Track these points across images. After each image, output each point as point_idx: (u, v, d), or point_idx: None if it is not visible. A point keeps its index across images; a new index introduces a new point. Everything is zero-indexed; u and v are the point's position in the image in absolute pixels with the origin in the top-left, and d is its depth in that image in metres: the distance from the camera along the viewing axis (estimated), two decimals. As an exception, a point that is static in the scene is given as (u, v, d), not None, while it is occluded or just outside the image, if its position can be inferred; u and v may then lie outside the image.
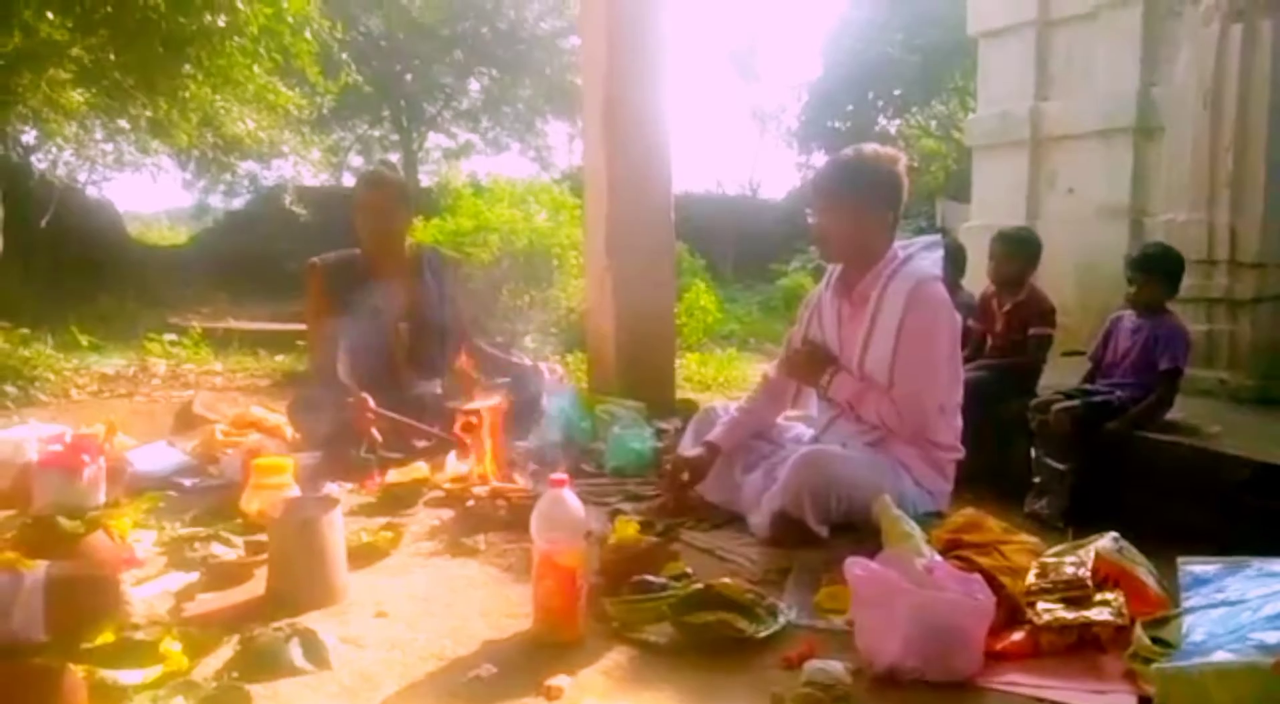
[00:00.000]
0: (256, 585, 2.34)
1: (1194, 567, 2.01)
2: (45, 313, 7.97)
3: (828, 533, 2.61)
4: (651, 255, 4.70)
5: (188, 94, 7.15)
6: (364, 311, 3.68)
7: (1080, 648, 1.98)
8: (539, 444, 3.53)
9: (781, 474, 2.67)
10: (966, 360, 3.34)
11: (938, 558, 2.15)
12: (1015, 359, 3.68)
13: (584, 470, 3.56)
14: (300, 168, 11.07)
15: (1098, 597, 2.04)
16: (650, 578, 2.21)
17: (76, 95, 7.08)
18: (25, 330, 6.21)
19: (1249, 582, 1.88)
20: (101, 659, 1.80)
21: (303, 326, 5.17)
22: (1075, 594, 2.04)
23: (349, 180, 19.01)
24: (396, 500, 3.11)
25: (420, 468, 3.35)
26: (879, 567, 1.97)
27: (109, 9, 6.20)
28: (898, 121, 20.34)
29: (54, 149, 10.63)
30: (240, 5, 6.36)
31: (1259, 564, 1.94)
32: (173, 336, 7.20)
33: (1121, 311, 3.44)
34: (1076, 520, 2.88)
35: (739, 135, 45.02)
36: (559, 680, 1.82)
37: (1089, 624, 1.98)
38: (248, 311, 11.35)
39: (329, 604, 2.21)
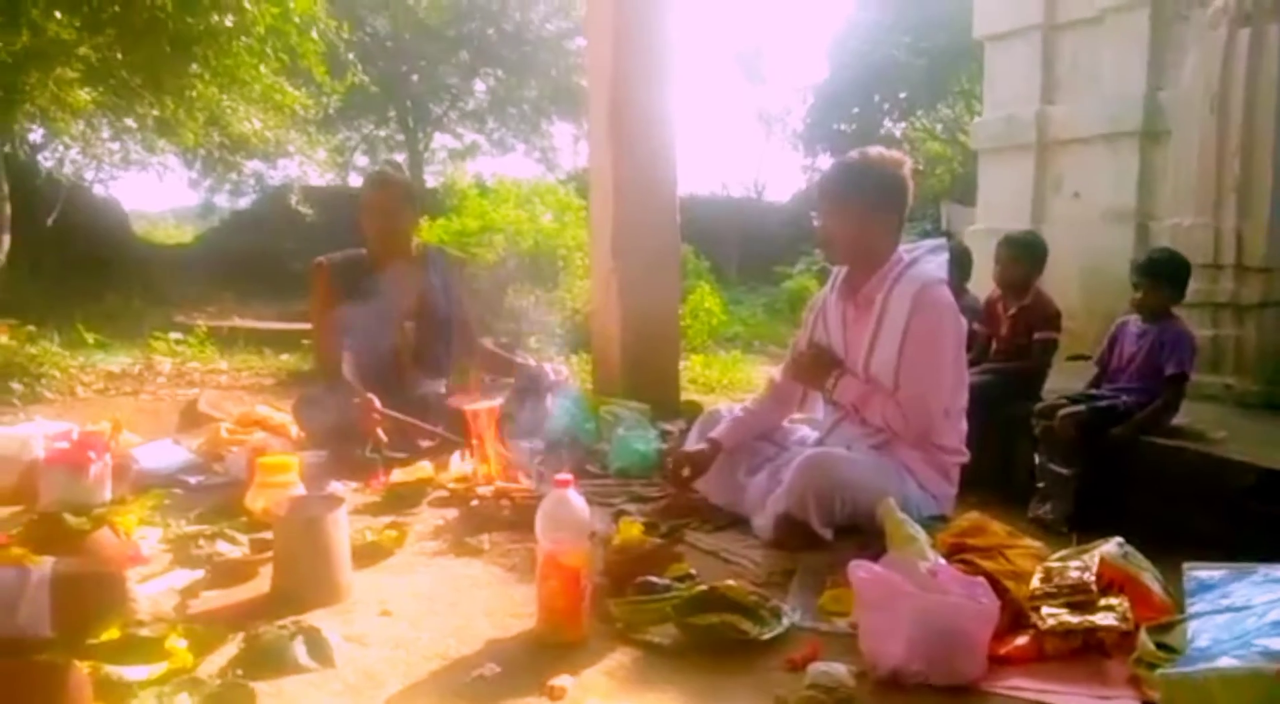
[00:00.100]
0: (261, 583, 2.34)
1: (1199, 572, 2.00)
2: (51, 310, 8.01)
3: (832, 536, 2.61)
4: (657, 257, 4.70)
5: (194, 93, 7.17)
6: (369, 311, 3.68)
7: (1085, 653, 1.98)
8: (543, 444, 3.53)
9: (786, 476, 2.67)
10: (971, 364, 3.33)
11: (942, 561, 2.14)
12: (1020, 363, 3.68)
13: (588, 471, 3.56)
14: (306, 167, 11.10)
15: (1102, 602, 2.04)
16: (654, 579, 2.21)
17: (84, 94, 7.11)
18: (31, 328, 6.24)
19: (1254, 588, 1.88)
20: (106, 655, 1.81)
21: (308, 326, 5.19)
22: (1080, 599, 2.04)
23: (355, 180, 19.09)
24: (401, 500, 3.11)
25: (425, 467, 3.35)
26: (883, 570, 1.96)
27: (117, 8, 6.22)
28: (903, 124, 20.36)
29: (61, 147, 10.69)
30: (247, 5, 6.37)
31: (1265, 570, 1.93)
32: (178, 335, 7.22)
33: (1127, 316, 3.43)
34: (1081, 525, 2.88)
35: (744, 137, 45.11)
36: (562, 680, 1.82)
37: (1093, 629, 1.98)
38: (253, 310, 11.38)
39: (333, 602, 2.22)
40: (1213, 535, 2.62)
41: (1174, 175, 4.39)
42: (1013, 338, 3.73)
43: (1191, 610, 1.90)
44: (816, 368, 2.90)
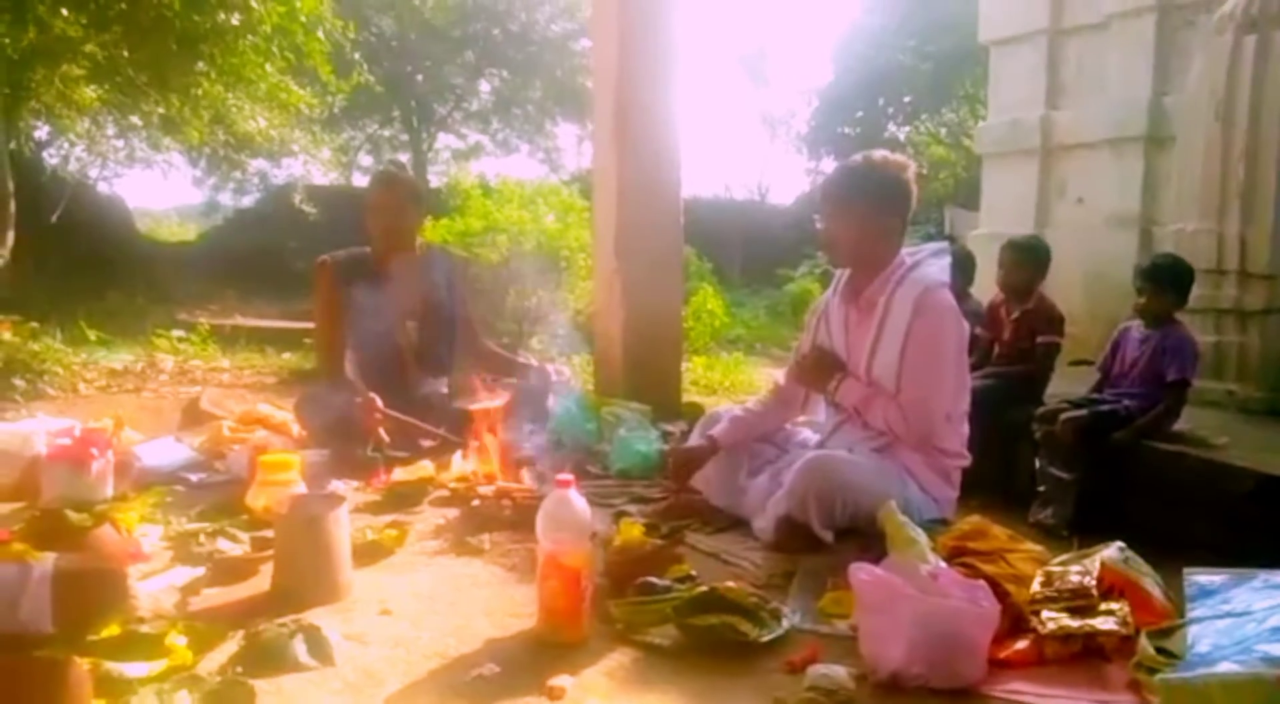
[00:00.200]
0: (262, 581, 2.34)
1: (1200, 577, 2.00)
2: (55, 307, 8.02)
3: (833, 538, 2.60)
4: (660, 259, 4.70)
5: (200, 91, 7.19)
6: (373, 310, 3.69)
7: (1085, 657, 1.98)
8: (545, 445, 3.53)
9: (787, 479, 2.66)
10: (974, 368, 3.33)
11: (942, 565, 2.14)
12: (1023, 367, 3.68)
13: (589, 472, 3.56)
14: (310, 166, 11.15)
15: (1103, 606, 2.04)
16: (654, 580, 2.21)
17: (89, 91, 7.14)
18: (35, 324, 6.24)
19: (1255, 593, 1.88)
20: (107, 652, 1.81)
21: (310, 324, 5.20)
22: (1080, 603, 2.04)
23: (358, 180, 19.13)
24: (402, 499, 3.11)
25: (426, 467, 3.36)
26: (884, 572, 1.96)
27: (123, 5, 6.24)
28: (907, 128, 20.38)
29: (66, 145, 10.73)
30: (254, 4, 6.39)
31: (1265, 576, 1.93)
32: (181, 333, 7.24)
33: (1130, 322, 3.43)
34: (1082, 530, 2.88)
35: (748, 140, 45.05)
36: (561, 680, 1.82)
37: (1094, 633, 1.98)
38: (256, 309, 11.39)
39: (333, 601, 2.22)
40: (1213, 541, 2.62)
41: (1178, 181, 4.38)
42: (1015, 342, 3.73)
43: (1192, 615, 1.90)
44: (819, 370, 2.90)
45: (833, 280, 3.05)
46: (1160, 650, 1.86)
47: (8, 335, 5.81)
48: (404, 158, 19.41)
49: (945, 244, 2.98)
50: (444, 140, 22.19)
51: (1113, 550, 2.20)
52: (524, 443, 3.51)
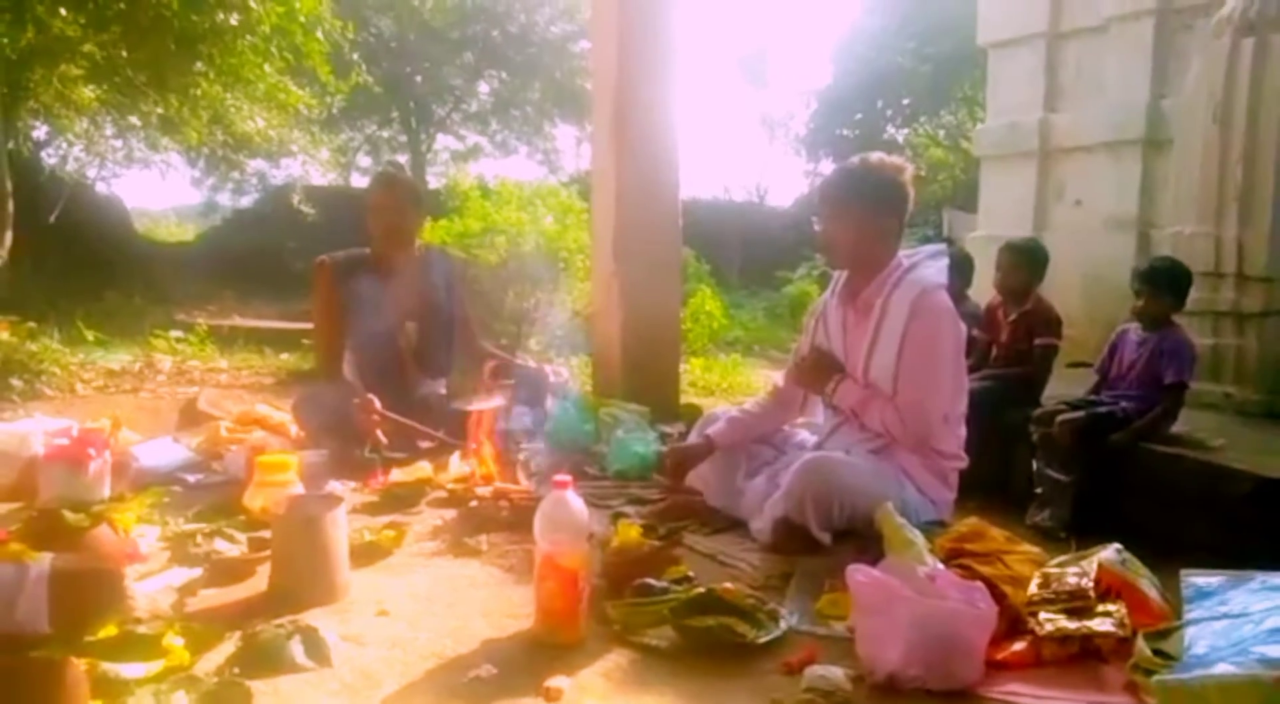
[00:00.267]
0: (259, 582, 2.34)
1: (1197, 579, 2.00)
2: (52, 307, 8.02)
3: (830, 539, 2.61)
4: (658, 260, 4.70)
5: (199, 92, 7.19)
6: (372, 310, 3.69)
7: (1082, 659, 1.98)
8: (542, 446, 3.53)
9: (785, 480, 2.67)
10: (972, 370, 3.34)
11: (940, 566, 2.14)
12: (1020, 369, 3.68)
13: (587, 473, 3.56)
14: (309, 167, 11.14)
15: (1100, 608, 2.04)
16: (652, 581, 2.21)
17: (88, 91, 7.13)
18: (32, 324, 6.24)
19: (1252, 595, 1.88)
20: (104, 652, 1.80)
21: (308, 325, 5.20)
22: (1077, 605, 2.04)
23: (357, 180, 19.14)
24: (399, 500, 3.11)
25: (424, 467, 3.36)
26: (881, 574, 1.96)
27: (122, 5, 6.24)
28: (906, 130, 20.39)
29: (64, 145, 10.73)
30: (253, 4, 6.39)
31: (1262, 577, 1.94)
32: (179, 333, 7.23)
33: (1128, 324, 3.44)
34: (1079, 531, 2.88)
35: (747, 141, 45.00)
36: (559, 682, 1.82)
37: (1091, 635, 1.98)
38: (254, 309, 11.39)
39: (331, 602, 2.22)
40: (1211, 542, 2.62)
41: (1176, 184, 4.39)
42: (1013, 344, 3.74)
43: (1189, 617, 1.90)
44: (817, 372, 2.90)
45: (831, 282, 3.05)
46: (1157, 652, 1.86)
47: (5, 335, 5.81)
48: (402, 159, 19.39)
49: (943, 246, 2.99)
50: (443, 141, 22.21)
51: (1110, 552, 2.20)
52: (522, 444, 3.51)
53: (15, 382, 5.16)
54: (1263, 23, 3.82)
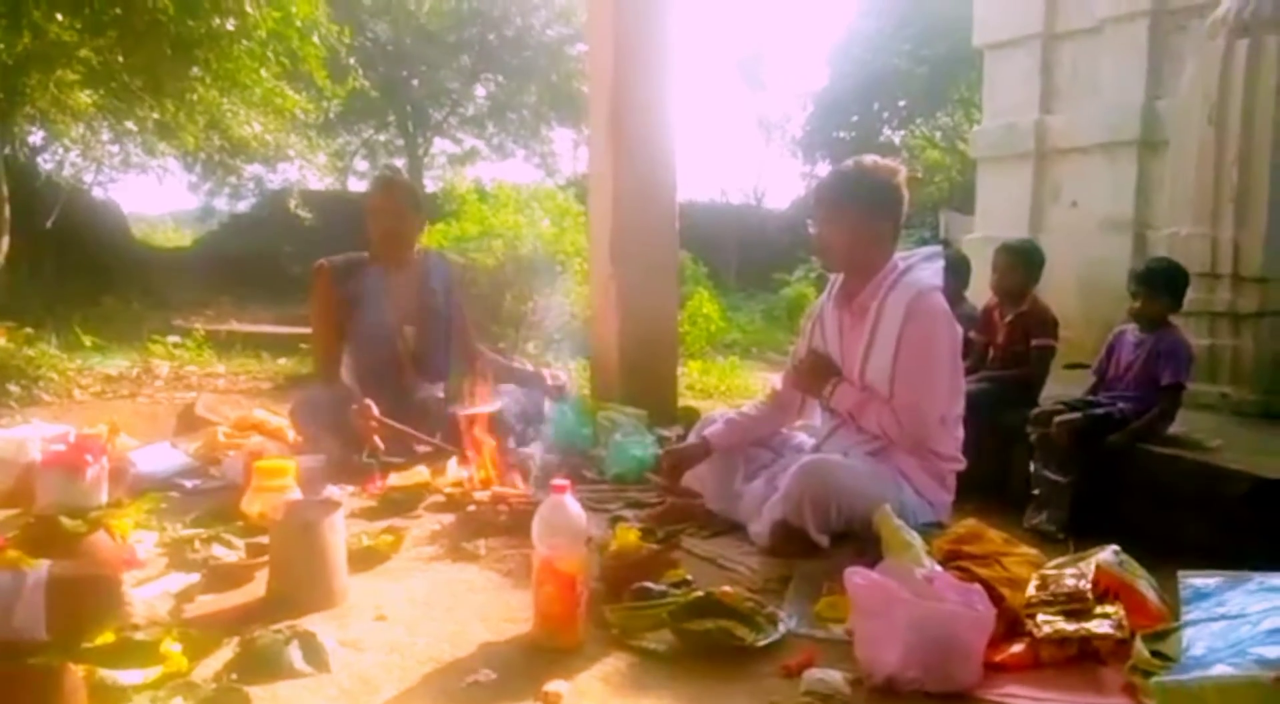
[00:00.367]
0: (257, 587, 2.34)
1: (1194, 580, 2.00)
2: (50, 313, 8.01)
3: (828, 542, 2.60)
4: (656, 263, 4.71)
5: (195, 97, 7.18)
6: (370, 314, 3.69)
7: (1080, 660, 1.98)
8: (541, 450, 3.53)
9: (782, 483, 2.67)
10: (968, 372, 3.34)
11: (938, 568, 2.14)
12: (1017, 371, 3.68)
13: (585, 477, 3.56)
14: (306, 172, 11.12)
15: (1098, 609, 2.04)
16: (650, 585, 2.21)
17: (84, 96, 7.12)
18: (29, 330, 6.23)
19: (1249, 596, 1.88)
20: (102, 659, 1.80)
21: (305, 330, 5.19)
22: (1075, 606, 2.04)
23: (354, 185, 19.14)
24: (397, 504, 3.11)
25: (421, 472, 3.35)
26: (879, 576, 1.96)
27: (118, 11, 6.23)
28: (902, 132, 20.42)
29: (61, 150, 10.71)
30: (249, 9, 6.38)
31: (1260, 578, 1.94)
32: (176, 338, 7.23)
33: (1124, 325, 3.44)
34: (1077, 533, 2.88)
35: (744, 144, 45.05)
36: (557, 686, 1.82)
37: (1089, 637, 1.98)
38: (251, 314, 11.38)
39: (329, 607, 2.21)
40: (1208, 543, 2.62)
41: (1172, 185, 4.40)
42: (1009, 346, 3.74)
43: (1187, 618, 1.90)
44: (814, 375, 2.90)
45: (827, 285, 3.06)
46: (1155, 653, 1.86)
47: (2, 341, 5.81)
48: (399, 163, 19.43)
49: (938, 248, 3.00)
50: (440, 145, 22.23)
51: (1108, 553, 2.20)
52: (520, 448, 3.51)
53: (12, 387, 5.16)
54: (1257, 24, 3.83)
